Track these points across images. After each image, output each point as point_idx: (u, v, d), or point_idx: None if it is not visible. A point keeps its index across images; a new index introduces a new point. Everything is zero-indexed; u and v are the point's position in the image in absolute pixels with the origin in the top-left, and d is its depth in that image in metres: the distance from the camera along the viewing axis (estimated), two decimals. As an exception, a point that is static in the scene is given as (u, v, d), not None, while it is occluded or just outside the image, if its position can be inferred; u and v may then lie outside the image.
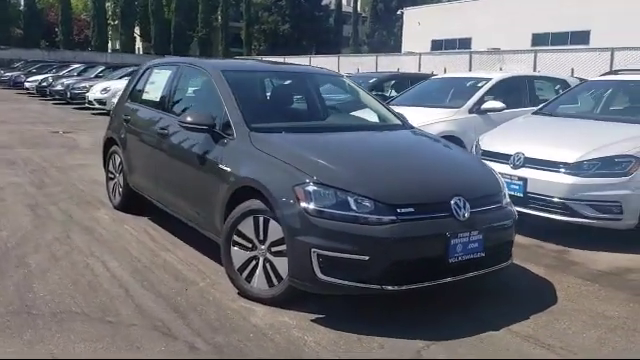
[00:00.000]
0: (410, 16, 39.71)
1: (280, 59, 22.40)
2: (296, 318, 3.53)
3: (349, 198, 3.42)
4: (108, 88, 17.63)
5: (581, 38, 28.09)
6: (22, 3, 53.61)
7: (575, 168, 5.17)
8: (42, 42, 52.37)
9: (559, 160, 5.27)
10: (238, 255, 3.81)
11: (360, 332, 3.35)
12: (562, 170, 5.21)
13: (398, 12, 42.43)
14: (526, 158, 5.45)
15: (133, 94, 5.94)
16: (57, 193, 6.75)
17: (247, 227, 3.75)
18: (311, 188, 3.46)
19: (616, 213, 5.07)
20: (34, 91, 25.71)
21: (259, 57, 35.02)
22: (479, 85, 8.04)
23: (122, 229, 5.35)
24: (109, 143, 6.11)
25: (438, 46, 35.44)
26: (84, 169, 8.37)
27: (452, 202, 3.56)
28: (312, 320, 3.50)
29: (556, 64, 18.56)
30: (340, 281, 3.36)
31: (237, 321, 3.48)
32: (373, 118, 5.03)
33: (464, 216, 3.55)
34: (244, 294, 3.80)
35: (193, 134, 4.36)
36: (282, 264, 3.58)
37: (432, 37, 36.19)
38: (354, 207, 3.39)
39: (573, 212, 5.14)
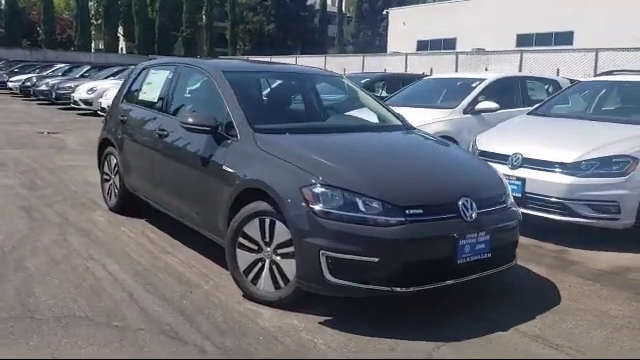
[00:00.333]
0: (395, 16, 39.86)
1: (266, 59, 22.34)
2: (304, 320, 3.51)
3: (357, 199, 3.40)
4: (94, 88, 17.46)
5: (565, 39, 28.38)
6: (3, 2, 52.94)
7: (573, 168, 5.21)
8: (24, 41, 51.68)
9: (557, 160, 5.30)
10: (243, 257, 3.78)
11: (369, 334, 3.33)
12: (560, 170, 5.25)
13: (383, 12, 42.57)
14: (524, 158, 5.48)
15: (129, 95, 5.87)
16: (50, 195, 6.66)
17: (253, 229, 3.71)
18: (319, 189, 3.44)
19: (614, 213, 5.12)
20: (17, 91, 25.41)
21: (245, 57, 34.86)
22: (473, 86, 8.06)
23: (119, 231, 5.29)
24: (104, 144, 6.04)
25: (423, 46, 35.58)
26: (75, 170, 8.27)
27: (459, 203, 3.56)
28: (320, 322, 3.48)
29: (541, 64, 18.75)
30: (349, 283, 3.35)
31: (245, 324, 3.45)
32: (373, 119, 5.02)
33: (471, 217, 3.56)
34: (250, 296, 3.77)
35: (194, 135, 4.31)
36: (289, 266, 3.56)
37: (417, 37, 36.33)
38: (362, 208, 3.38)
39: (571, 212, 5.18)
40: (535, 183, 5.33)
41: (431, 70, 20.36)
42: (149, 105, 5.39)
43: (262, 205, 3.67)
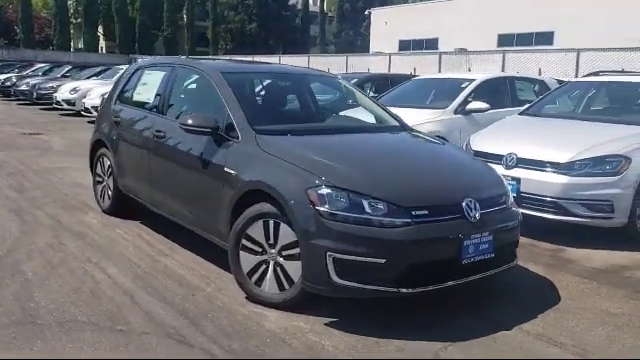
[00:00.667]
0: (377, 16, 39.96)
1: (249, 58, 22.23)
2: (310, 322, 3.50)
3: (363, 201, 3.40)
4: (77, 88, 17.23)
5: (545, 39, 28.71)
6: (-21, 1, 52.07)
7: (567, 168, 5.27)
8: (0, 40, 50.83)
9: (551, 160, 5.36)
10: (247, 259, 3.76)
11: (376, 335, 3.34)
12: (554, 170, 5.31)
13: (365, 12, 42.66)
14: (519, 158, 5.53)
15: (123, 95, 5.79)
16: (40, 197, 6.56)
17: (256, 231, 3.70)
18: (324, 191, 3.43)
19: (607, 212, 5.19)
20: (-4, 91, 24.97)
21: (227, 57, 34.67)
22: (463, 86, 8.11)
23: (115, 234, 5.23)
24: (97, 145, 5.95)
25: (406, 46, 35.74)
26: (63, 172, 8.15)
27: (463, 204, 3.58)
28: (326, 324, 3.48)
29: (523, 64, 18.93)
30: (356, 284, 3.35)
31: (251, 326, 3.43)
32: (372, 119, 5.03)
33: (475, 217, 3.58)
34: (253, 299, 3.75)
35: (193, 137, 4.26)
36: (293, 268, 3.55)
37: (399, 37, 36.47)
38: (368, 210, 3.38)
39: (566, 211, 5.24)
40: (530, 183, 5.38)
41: (414, 70, 20.45)
42: (145, 106, 5.33)
43: (266, 207, 3.65)
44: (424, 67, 21.53)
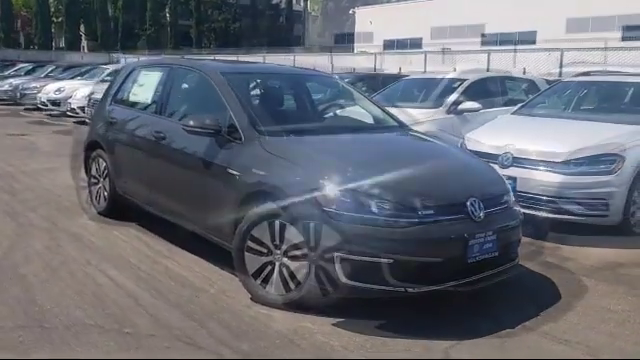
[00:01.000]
0: (362, 15, 40.12)
1: (233, 57, 22.13)
2: (317, 323, 3.50)
3: (370, 201, 3.42)
4: (62, 88, 16.98)
5: (528, 38, 29.03)
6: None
7: (562, 167, 5.34)
8: (-20, 40, 50.12)
9: (547, 159, 5.43)
10: (252, 261, 3.76)
11: (384, 335, 3.36)
12: (550, 169, 5.38)
13: (350, 11, 42.75)
14: (514, 158, 5.59)
15: (118, 96, 5.73)
16: (32, 199, 6.48)
17: (262, 232, 3.70)
18: (331, 191, 3.44)
19: (602, 210, 5.27)
20: (-23, 92, 24.55)
21: (212, 56, 34.47)
22: (454, 86, 8.18)
23: (112, 236, 5.18)
24: (91, 146, 5.89)
25: (390, 45, 35.92)
26: (53, 173, 8.05)
27: (468, 203, 3.61)
28: (333, 324, 3.48)
29: (508, 63, 19.09)
30: (363, 284, 3.37)
31: (258, 328, 3.43)
32: (370, 119, 5.05)
33: (479, 217, 3.62)
34: (258, 300, 3.74)
35: (195, 138, 4.24)
36: (299, 269, 3.55)
37: (384, 37, 36.65)
38: (375, 210, 3.40)
39: (562, 209, 5.31)
40: (526, 182, 5.44)
41: (400, 69, 20.52)
42: (142, 107, 5.30)
43: (271, 208, 3.65)
44: (409, 66, 21.61)
